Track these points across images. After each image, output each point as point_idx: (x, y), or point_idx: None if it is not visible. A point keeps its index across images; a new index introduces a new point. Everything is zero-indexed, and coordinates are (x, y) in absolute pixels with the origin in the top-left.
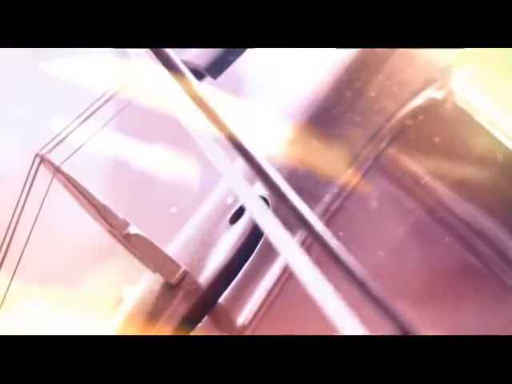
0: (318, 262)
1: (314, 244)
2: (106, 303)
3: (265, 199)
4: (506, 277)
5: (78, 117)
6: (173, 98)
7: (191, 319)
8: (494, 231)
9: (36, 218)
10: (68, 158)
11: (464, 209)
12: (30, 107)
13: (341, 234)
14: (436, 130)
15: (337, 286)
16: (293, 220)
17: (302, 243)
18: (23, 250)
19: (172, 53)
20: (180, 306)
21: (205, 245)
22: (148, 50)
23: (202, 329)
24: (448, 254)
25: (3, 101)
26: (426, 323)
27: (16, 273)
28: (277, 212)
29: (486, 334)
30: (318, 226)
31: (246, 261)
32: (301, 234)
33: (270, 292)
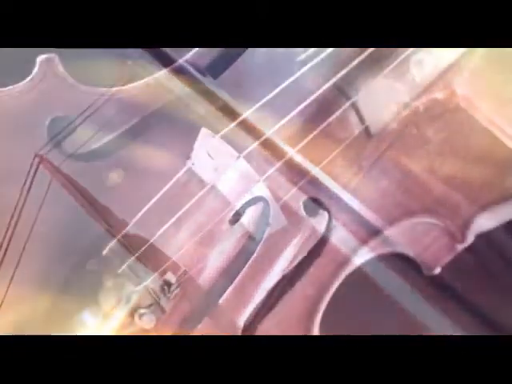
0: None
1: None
2: (106, 303)
3: (264, 199)
4: (506, 277)
5: (78, 117)
6: (172, 97)
7: (191, 319)
8: (493, 231)
9: (36, 217)
10: (67, 157)
11: (463, 207)
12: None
13: (343, 231)
14: (438, 130)
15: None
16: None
17: (307, 239)
18: (23, 250)
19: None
20: (180, 307)
21: (205, 245)
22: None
23: (201, 329)
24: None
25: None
26: None
27: (15, 273)
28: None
29: None
30: None
31: (246, 262)
32: (304, 229)
33: (269, 293)
